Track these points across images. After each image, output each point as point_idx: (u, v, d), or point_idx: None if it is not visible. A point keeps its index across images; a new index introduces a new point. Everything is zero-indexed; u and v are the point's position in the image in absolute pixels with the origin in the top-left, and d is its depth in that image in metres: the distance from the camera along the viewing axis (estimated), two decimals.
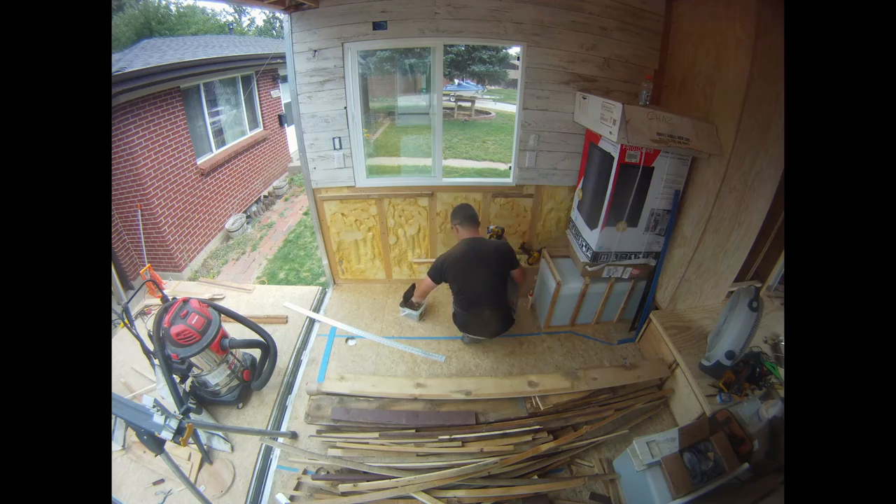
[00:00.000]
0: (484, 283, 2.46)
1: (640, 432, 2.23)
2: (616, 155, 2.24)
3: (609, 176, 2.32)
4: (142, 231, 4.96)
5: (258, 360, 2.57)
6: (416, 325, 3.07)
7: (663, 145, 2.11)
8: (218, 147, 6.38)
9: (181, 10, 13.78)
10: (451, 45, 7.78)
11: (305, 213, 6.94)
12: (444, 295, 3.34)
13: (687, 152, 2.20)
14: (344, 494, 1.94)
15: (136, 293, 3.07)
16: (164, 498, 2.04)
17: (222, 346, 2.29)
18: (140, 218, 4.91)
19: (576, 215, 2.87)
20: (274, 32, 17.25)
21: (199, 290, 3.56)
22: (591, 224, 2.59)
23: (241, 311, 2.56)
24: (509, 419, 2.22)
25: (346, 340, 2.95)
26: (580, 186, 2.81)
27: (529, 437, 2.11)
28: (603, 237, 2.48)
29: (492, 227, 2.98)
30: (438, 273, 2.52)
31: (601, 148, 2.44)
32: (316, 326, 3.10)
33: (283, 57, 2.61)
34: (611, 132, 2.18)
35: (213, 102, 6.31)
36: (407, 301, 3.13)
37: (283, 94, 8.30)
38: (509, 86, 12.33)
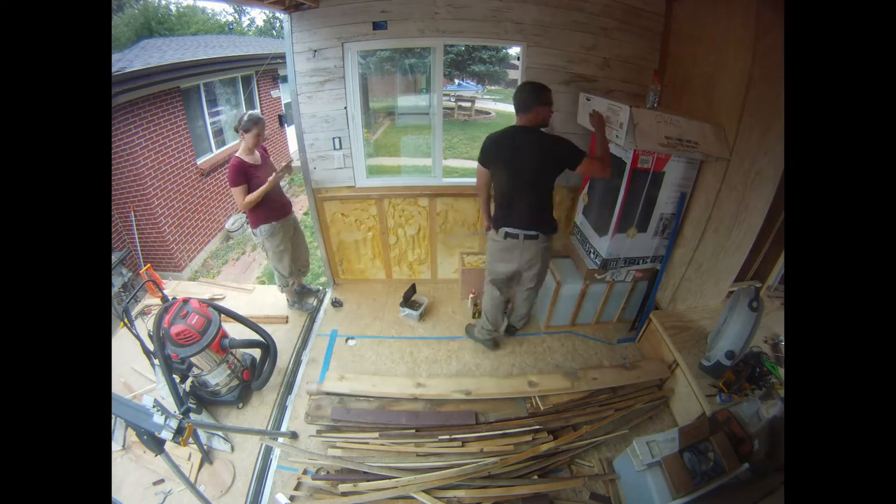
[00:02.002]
0: (523, 174, 2.08)
1: (640, 432, 2.23)
2: (628, 160, 2.20)
3: (620, 181, 2.28)
4: (136, 231, 4.96)
5: (258, 360, 2.58)
6: (416, 325, 3.07)
7: (671, 149, 2.07)
8: (218, 147, 6.38)
9: (181, 10, 13.77)
10: (451, 45, 7.78)
11: (305, 213, 6.90)
12: (444, 294, 3.34)
13: (696, 156, 2.17)
14: (344, 494, 1.94)
15: (135, 293, 3.07)
16: (164, 498, 2.04)
17: (222, 346, 2.29)
18: (133, 218, 4.90)
19: (581, 220, 2.83)
20: (274, 32, 17.23)
21: (199, 290, 3.56)
22: (601, 231, 2.55)
23: (241, 311, 2.56)
24: (509, 419, 2.22)
25: (346, 340, 2.96)
26: (585, 191, 2.77)
27: (529, 437, 2.11)
28: (613, 244, 2.45)
29: None
30: (483, 154, 2.16)
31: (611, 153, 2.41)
32: (316, 326, 3.10)
33: (283, 57, 2.61)
34: (617, 136, 2.14)
35: (213, 102, 6.31)
36: (407, 301, 3.13)
37: (283, 94, 8.30)
38: (509, 86, 12.33)
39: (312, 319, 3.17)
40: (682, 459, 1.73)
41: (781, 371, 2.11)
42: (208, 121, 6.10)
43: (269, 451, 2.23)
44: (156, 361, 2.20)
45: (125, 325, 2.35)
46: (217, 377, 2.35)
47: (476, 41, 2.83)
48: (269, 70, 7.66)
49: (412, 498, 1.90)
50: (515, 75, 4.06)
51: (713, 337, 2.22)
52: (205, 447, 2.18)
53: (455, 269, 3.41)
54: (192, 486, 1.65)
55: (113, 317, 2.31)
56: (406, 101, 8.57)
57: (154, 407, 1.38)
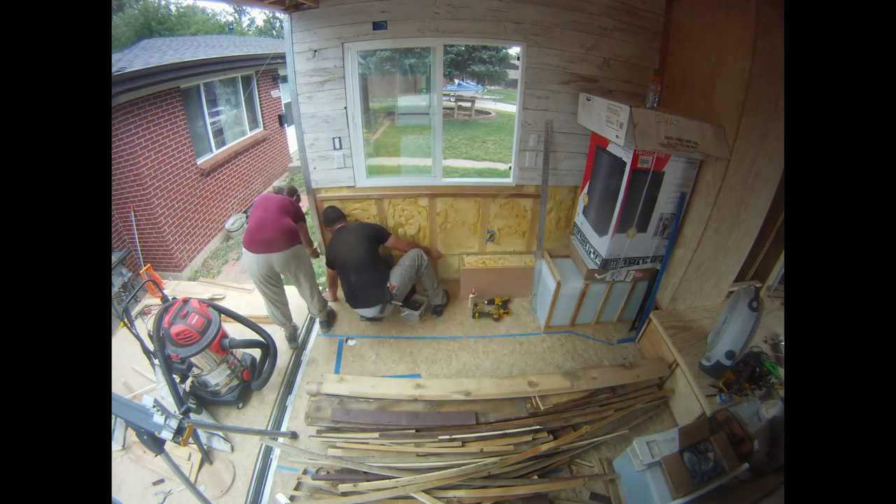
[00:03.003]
0: (350, 252, 2.75)
1: (640, 432, 2.23)
2: (628, 160, 2.19)
3: (620, 181, 2.27)
4: (136, 231, 4.96)
5: (258, 360, 2.58)
6: (416, 325, 3.07)
7: (671, 149, 2.06)
8: (218, 147, 6.37)
9: (181, 10, 13.78)
10: (451, 45, 7.77)
11: (306, 213, 6.93)
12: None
13: (696, 156, 2.15)
14: (344, 494, 1.94)
15: (135, 293, 3.07)
16: (164, 498, 2.04)
17: (222, 346, 2.29)
18: (133, 218, 4.90)
19: (581, 220, 2.83)
20: (274, 32, 17.23)
21: (199, 290, 3.55)
22: (600, 231, 2.55)
23: (241, 311, 2.56)
24: (509, 419, 2.22)
25: (346, 340, 2.96)
26: (585, 191, 2.77)
27: (529, 437, 2.11)
28: (613, 244, 2.45)
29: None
30: (328, 260, 2.96)
31: (611, 153, 2.40)
32: (316, 326, 3.10)
33: (283, 57, 2.61)
34: (617, 135, 2.13)
35: (213, 102, 6.30)
36: (407, 301, 3.12)
37: (283, 94, 8.29)
38: (509, 86, 12.31)
39: (312, 319, 3.16)
40: (682, 459, 1.73)
41: (781, 371, 2.11)
42: (208, 121, 6.10)
43: (269, 451, 2.23)
44: (156, 361, 2.20)
45: (125, 325, 2.35)
46: (217, 377, 2.35)
47: (476, 41, 2.83)
48: (269, 70, 7.65)
49: (412, 498, 1.90)
50: (515, 75, 4.06)
51: (713, 337, 2.22)
52: (205, 447, 2.18)
53: (455, 268, 3.41)
54: (192, 486, 1.65)
55: (113, 317, 2.31)
56: (406, 101, 8.56)
57: (154, 407, 1.38)
